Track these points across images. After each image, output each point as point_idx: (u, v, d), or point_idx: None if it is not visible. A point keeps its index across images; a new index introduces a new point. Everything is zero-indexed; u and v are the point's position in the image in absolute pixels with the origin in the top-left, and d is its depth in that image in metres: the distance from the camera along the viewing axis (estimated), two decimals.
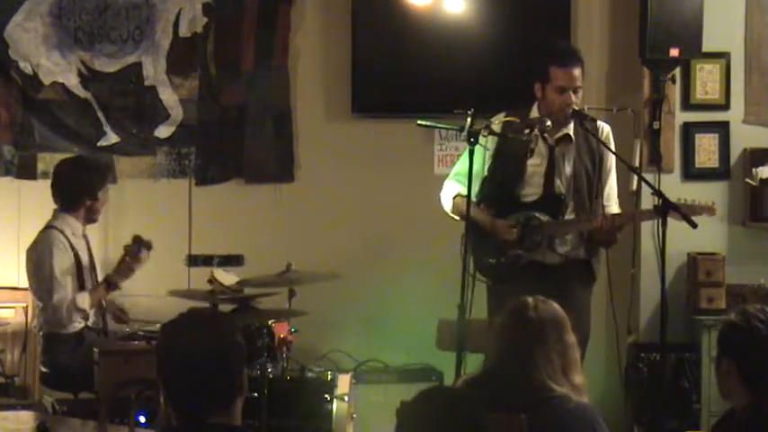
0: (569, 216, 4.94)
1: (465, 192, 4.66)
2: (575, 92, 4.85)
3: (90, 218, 5.43)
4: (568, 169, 4.95)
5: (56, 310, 5.22)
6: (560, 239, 4.94)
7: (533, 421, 3.34)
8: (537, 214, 4.90)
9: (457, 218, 5.03)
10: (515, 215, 4.91)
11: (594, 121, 5.02)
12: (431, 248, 5.93)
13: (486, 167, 4.95)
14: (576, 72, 4.86)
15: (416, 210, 6.07)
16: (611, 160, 5.02)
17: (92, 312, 5.36)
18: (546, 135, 4.90)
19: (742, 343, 3.01)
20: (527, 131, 4.88)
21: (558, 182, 4.94)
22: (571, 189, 4.94)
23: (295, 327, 5.35)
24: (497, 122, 4.80)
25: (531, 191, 4.95)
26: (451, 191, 5.05)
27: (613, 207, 5.03)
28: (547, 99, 4.88)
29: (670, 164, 6.00)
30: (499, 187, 4.94)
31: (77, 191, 5.37)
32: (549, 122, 4.83)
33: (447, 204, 5.08)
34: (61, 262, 5.26)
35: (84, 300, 5.28)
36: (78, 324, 5.30)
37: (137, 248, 5.34)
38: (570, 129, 4.96)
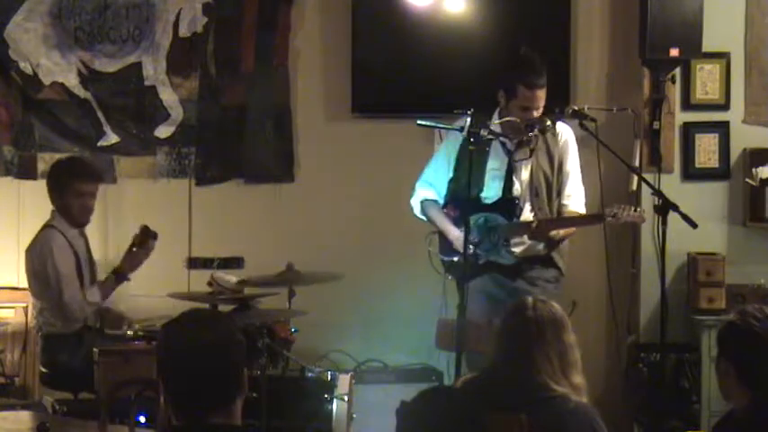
0: (525, 217, 5.01)
1: (433, 196, 5.13)
2: (537, 109, 4.91)
3: (68, 219, 5.37)
4: (525, 174, 5.03)
5: (68, 306, 5.23)
6: (518, 240, 4.99)
7: (533, 421, 3.34)
8: (494, 215, 4.99)
9: (425, 219, 5.23)
10: (475, 216, 5.00)
11: (554, 125, 5.02)
12: (431, 248, 5.92)
13: (451, 169, 5.02)
14: (541, 93, 4.91)
15: None
16: (571, 163, 5.09)
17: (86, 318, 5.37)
18: (505, 140, 4.94)
19: (739, 342, 3.01)
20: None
21: (516, 185, 5.03)
22: (528, 192, 5.00)
23: (295, 327, 5.35)
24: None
25: (491, 194, 5.05)
26: (420, 194, 5.24)
27: (574, 207, 5.09)
28: (510, 112, 4.92)
29: (670, 164, 6.00)
30: (462, 189, 4.98)
31: (48, 191, 5.40)
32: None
33: (416, 207, 5.26)
34: (63, 260, 5.27)
35: (93, 293, 5.30)
36: (77, 324, 5.31)
37: (145, 238, 5.37)
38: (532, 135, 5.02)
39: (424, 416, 2.74)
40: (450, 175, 5.10)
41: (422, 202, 5.22)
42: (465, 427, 2.72)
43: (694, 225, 4.50)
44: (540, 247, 5.04)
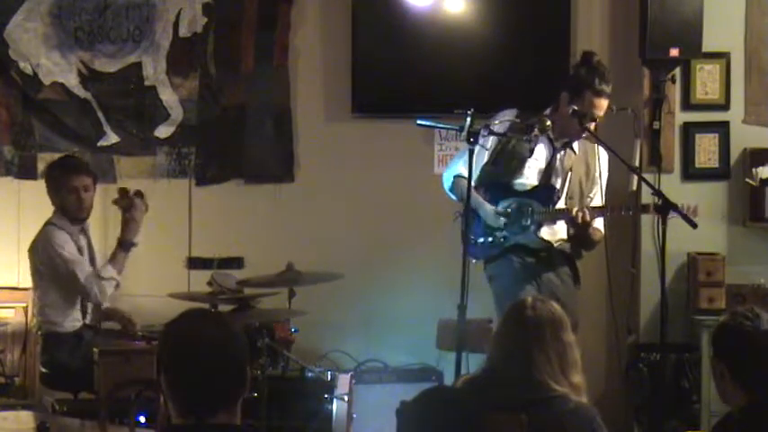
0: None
1: (466, 175, 4.84)
2: (594, 119, 4.94)
3: (67, 215, 5.37)
4: (563, 173, 5.02)
5: (87, 289, 5.23)
6: (549, 228, 4.99)
7: (533, 421, 3.34)
8: (528, 201, 4.98)
9: (453, 197, 5.13)
10: (508, 201, 5.00)
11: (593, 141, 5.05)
12: (431, 248, 5.93)
13: (489, 153, 5.01)
14: (605, 102, 4.95)
15: (416, 210, 6.08)
16: (603, 180, 5.11)
17: (90, 312, 5.37)
18: (552, 136, 4.95)
19: (731, 343, 3.02)
20: (528, 131, 4.93)
21: (553, 178, 5.02)
22: (564, 191, 5.02)
23: (295, 327, 5.35)
24: (498, 122, 4.84)
25: (527, 182, 5.04)
26: (456, 170, 5.13)
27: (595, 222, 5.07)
28: (568, 115, 4.91)
29: (670, 164, 6.00)
30: (497, 176, 4.99)
31: (47, 191, 5.40)
32: (548, 122, 4.87)
33: (447, 181, 5.17)
34: (68, 247, 5.28)
35: (107, 269, 5.29)
36: (77, 322, 5.32)
37: (128, 200, 5.36)
38: (575, 142, 5.03)
39: (425, 416, 2.74)
40: (486, 159, 5.06)
41: (455, 177, 5.14)
42: (465, 428, 2.72)
43: (694, 225, 4.49)
44: (568, 246, 5.05)
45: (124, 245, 5.36)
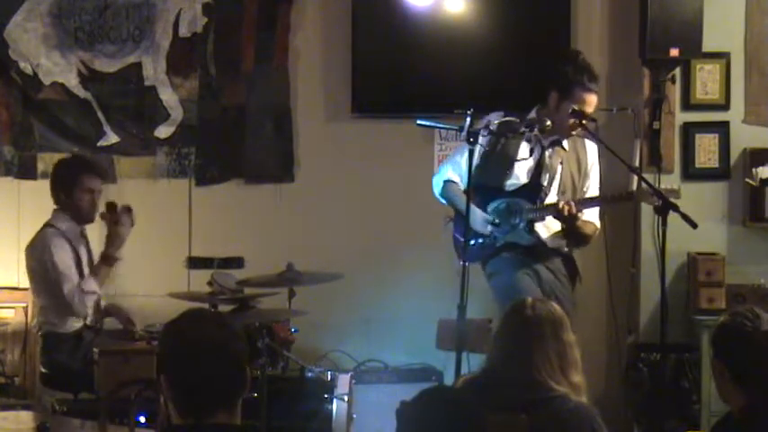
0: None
1: (456, 179, 5.06)
2: (593, 118, 4.99)
3: (76, 216, 5.38)
4: (554, 170, 5.04)
5: (69, 301, 5.23)
6: (541, 225, 5.02)
7: (533, 421, 3.34)
8: (517, 200, 5.01)
9: (443, 201, 5.18)
10: (497, 201, 5.02)
11: (584, 137, 5.06)
12: (430, 248, 5.92)
13: (478, 155, 5.02)
14: (594, 98, 4.99)
15: (416, 209, 6.07)
16: (595, 177, 5.13)
17: (90, 312, 5.37)
18: (539, 136, 4.97)
19: (730, 343, 3.02)
20: (527, 131, 4.94)
21: (542, 176, 5.05)
22: (556, 187, 5.03)
23: (295, 327, 5.34)
24: (497, 122, 4.85)
25: (518, 182, 5.06)
26: (445, 175, 5.17)
27: (588, 216, 5.07)
28: (560, 112, 4.92)
29: (670, 164, 6.00)
30: (487, 178, 5.01)
31: (54, 188, 5.39)
32: (548, 122, 4.89)
33: (437, 187, 5.21)
34: (63, 256, 5.27)
35: (89, 283, 5.29)
36: (77, 323, 5.32)
37: (114, 215, 5.34)
38: (564, 140, 5.04)
39: (424, 416, 2.74)
40: (476, 162, 5.08)
41: (445, 182, 5.18)
42: (465, 428, 2.72)
43: (694, 225, 4.49)
44: (564, 243, 5.06)
45: (107, 259, 5.37)
